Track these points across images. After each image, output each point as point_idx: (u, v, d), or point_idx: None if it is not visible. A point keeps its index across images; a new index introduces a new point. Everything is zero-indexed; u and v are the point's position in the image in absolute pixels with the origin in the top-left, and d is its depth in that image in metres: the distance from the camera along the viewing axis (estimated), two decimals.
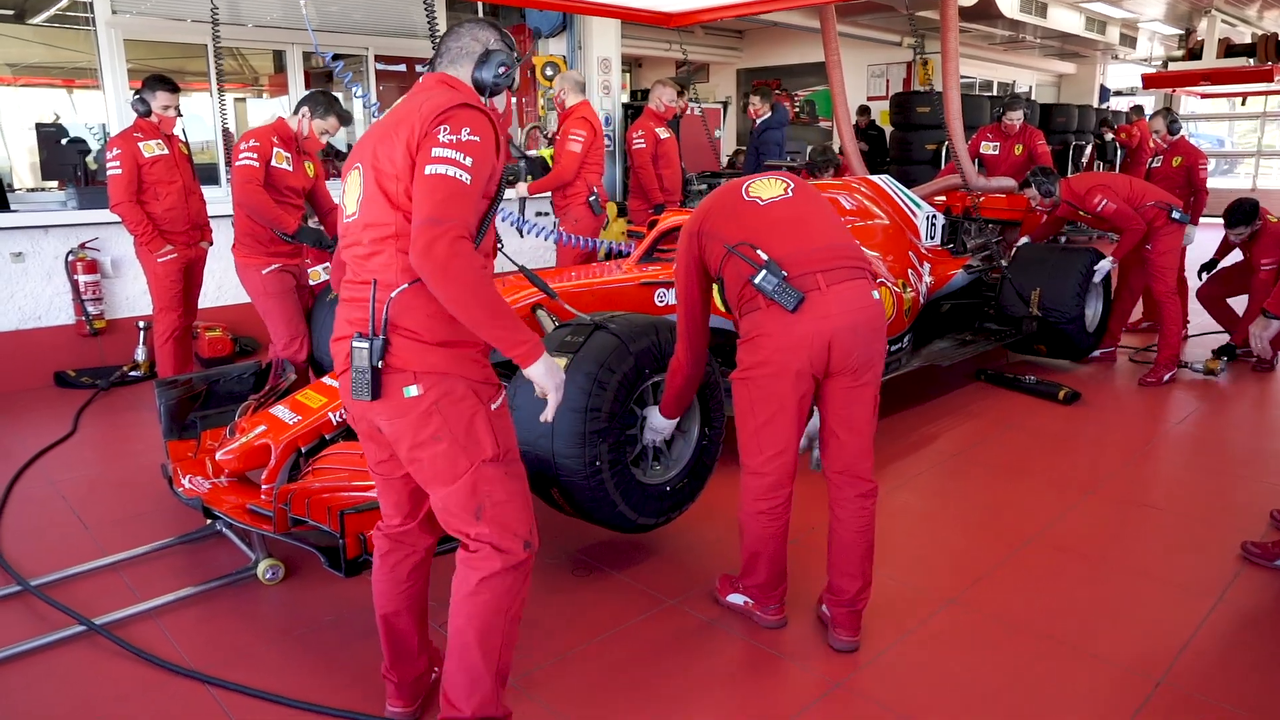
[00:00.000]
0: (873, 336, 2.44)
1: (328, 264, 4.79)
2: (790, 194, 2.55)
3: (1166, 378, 5.43)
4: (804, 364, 2.38)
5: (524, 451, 2.81)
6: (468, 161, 1.77)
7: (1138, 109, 12.11)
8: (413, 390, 1.84)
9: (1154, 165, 6.76)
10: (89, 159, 5.69)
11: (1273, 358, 5.73)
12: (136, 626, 2.73)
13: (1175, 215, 5.31)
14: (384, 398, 1.85)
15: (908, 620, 2.78)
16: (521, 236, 5.67)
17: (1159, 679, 2.49)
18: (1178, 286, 5.58)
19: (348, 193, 1.97)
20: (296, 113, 4.12)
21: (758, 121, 7.66)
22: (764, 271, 2.35)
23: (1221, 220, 5.77)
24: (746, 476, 2.59)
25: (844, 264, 2.43)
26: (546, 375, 1.91)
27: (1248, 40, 11.77)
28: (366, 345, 1.82)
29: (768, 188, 2.58)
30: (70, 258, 5.42)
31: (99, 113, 6.16)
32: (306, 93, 4.22)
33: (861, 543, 2.55)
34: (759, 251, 2.39)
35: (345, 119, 4.22)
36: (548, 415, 1.97)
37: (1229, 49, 11.50)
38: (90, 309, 5.47)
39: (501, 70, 1.98)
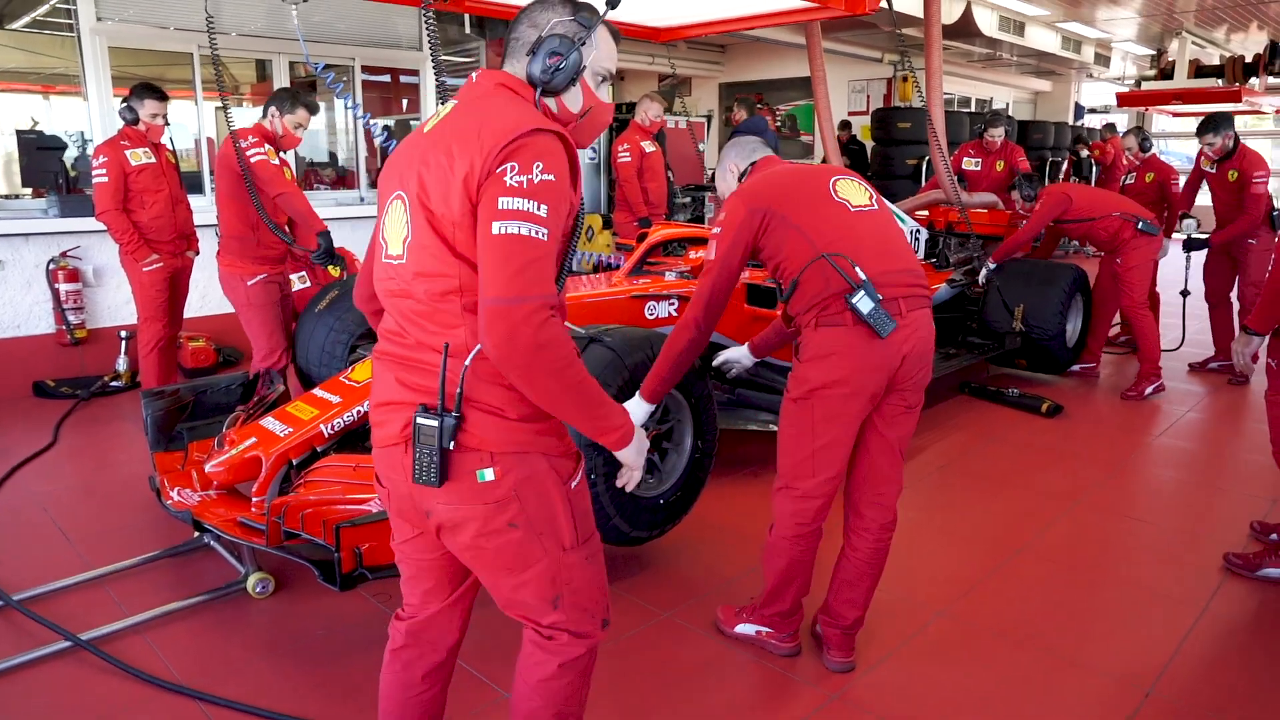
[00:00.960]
0: (929, 362, 2.41)
1: (303, 273, 4.77)
2: (876, 205, 2.45)
3: (1148, 391, 5.50)
4: (879, 386, 2.31)
5: None
6: (542, 211, 1.43)
7: (1110, 127, 12.33)
8: (488, 474, 1.54)
9: (1128, 182, 6.88)
10: (64, 158, 5.63)
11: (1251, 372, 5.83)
12: (123, 641, 2.69)
13: (1141, 226, 5.35)
14: (450, 480, 1.54)
15: (901, 632, 2.80)
16: None
17: (1148, 689, 2.52)
18: (1149, 300, 5.65)
19: (388, 227, 1.61)
20: (265, 115, 4.12)
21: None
22: (862, 292, 2.23)
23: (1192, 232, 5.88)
24: (792, 500, 2.45)
25: (918, 290, 2.37)
26: (637, 456, 1.69)
27: (1216, 62, 12.03)
28: (435, 423, 1.50)
29: (855, 192, 2.44)
30: (51, 266, 5.36)
31: (78, 120, 6.10)
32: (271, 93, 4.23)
33: (871, 574, 2.52)
34: (857, 269, 2.25)
35: (313, 108, 4.22)
36: (630, 484, 1.78)
37: (1199, 70, 11.74)
38: (71, 318, 5.40)
39: (550, 61, 1.57)
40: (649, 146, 6.77)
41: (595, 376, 2.72)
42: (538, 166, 1.44)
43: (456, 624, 1.81)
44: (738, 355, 2.93)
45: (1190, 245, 5.91)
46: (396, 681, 1.81)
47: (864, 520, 2.49)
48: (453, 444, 1.51)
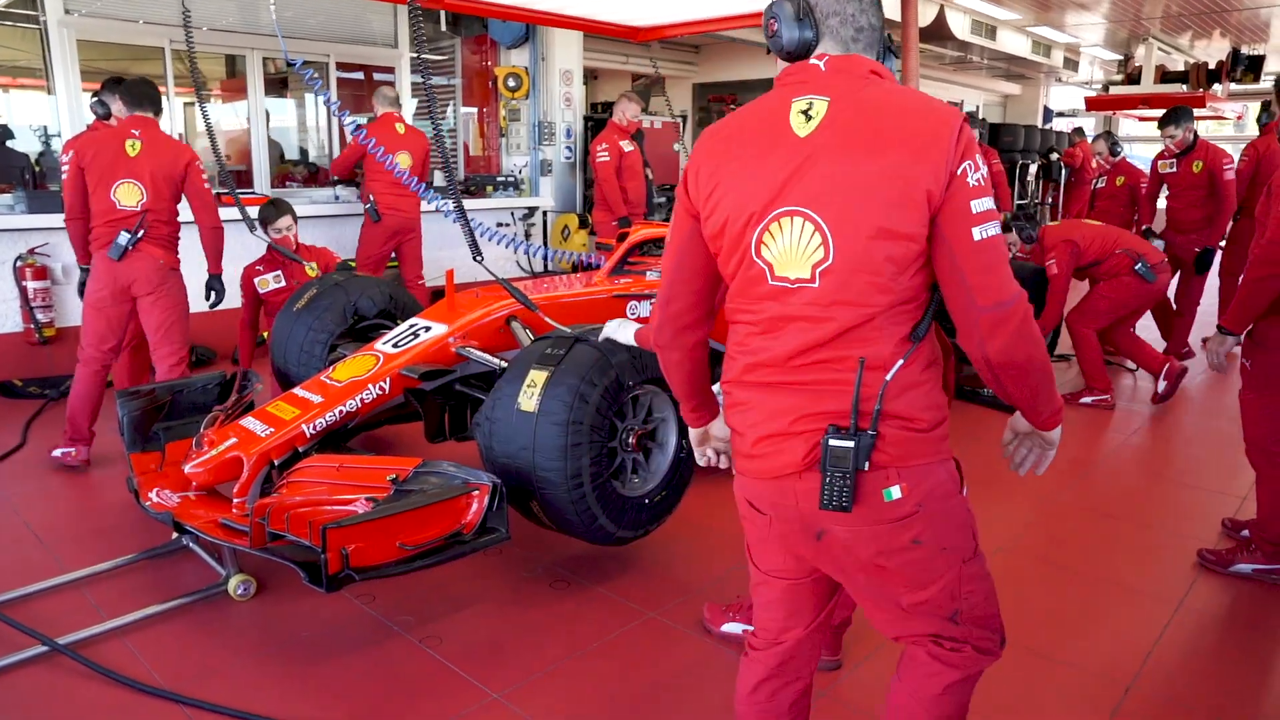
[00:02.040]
0: None
1: (278, 272, 4.73)
2: None
3: (1087, 400, 5.39)
4: None
5: (504, 465, 2.83)
6: (995, 207, 1.41)
7: (1079, 130, 12.53)
8: (895, 492, 1.46)
9: (1099, 185, 6.99)
10: (30, 153, 5.52)
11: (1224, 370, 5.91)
12: (103, 646, 2.64)
13: (1139, 268, 5.14)
14: (855, 502, 1.46)
15: None
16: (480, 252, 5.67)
17: (1128, 684, 2.56)
18: (1099, 330, 5.43)
19: (776, 248, 1.45)
20: (151, 110, 4.11)
21: None
22: None
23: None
24: None
25: None
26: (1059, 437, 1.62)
27: (1181, 68, 12.28)
28: (850, 444, 1.42)
29: None
30: (18, 263, 5.24)
31: (41, 113, 5.99)
32: (125, 86, 4.15)
33: None
34: None
35: None
36: (1044, 466, 1.67)
37: (1164, 75, 11.98)
38: (39, 316, 5.29)
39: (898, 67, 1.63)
40: (627, 146, 6.79)
41: (581, 376, 2.79)
42: (979, 159, 1.40)
43: (818, 650, 1.77)
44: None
45: (1201, 265, 5.87)
46: (766, 711, 1.76)
47: None
48: (867, 464, 1.44)
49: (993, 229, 1.38)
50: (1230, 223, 5.75)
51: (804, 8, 1.47)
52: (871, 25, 1.50)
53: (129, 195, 3.99)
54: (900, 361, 1.43)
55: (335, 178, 6.75)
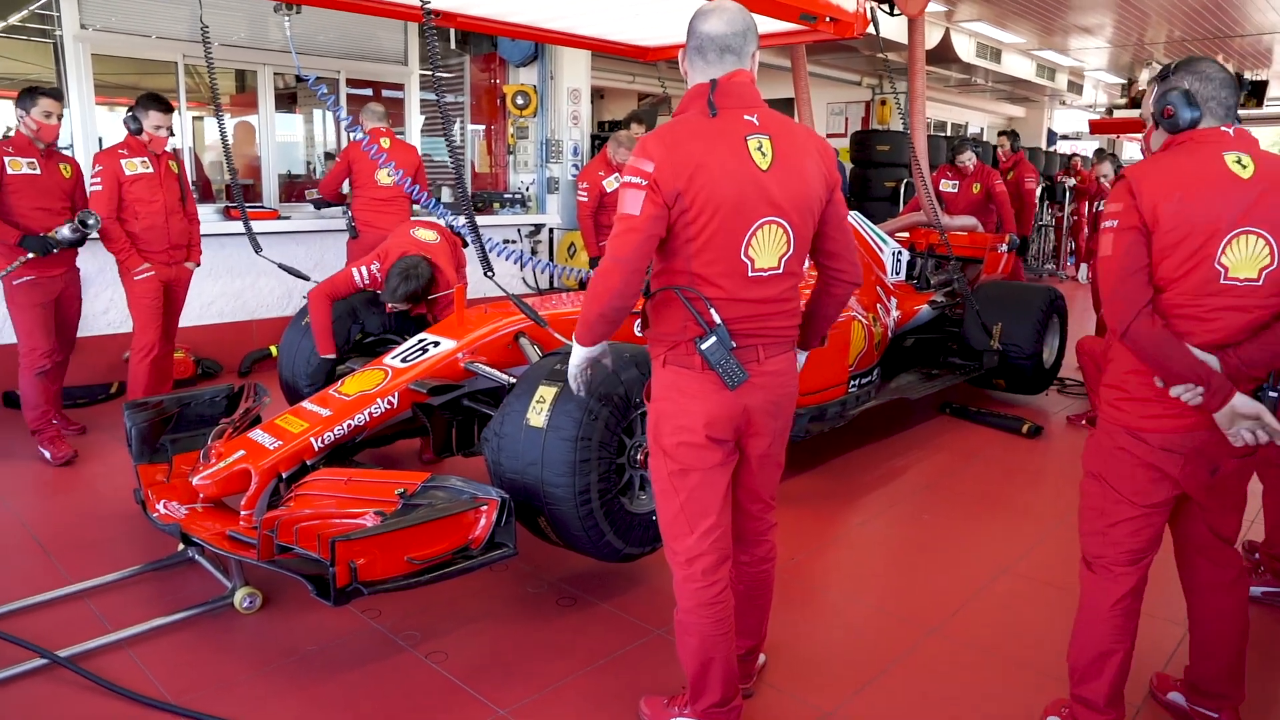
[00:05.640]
0: (788, 411, 2.23)
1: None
2: (781, 269, 2.08)
3: (1084, 422, 5.47)
4: (730, 434, 2.12)
5: (512, 480, 2.83)
6: None
7: (1100, 152, 12.57)
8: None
9: (1100, 208, 7.02)
10: None
11: None
12: (107, 658, 2.63)
13: None
14: None
15: (892, 651, 2.81)
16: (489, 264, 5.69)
17: (1139, 705, 2.55)
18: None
19: (1233, 256, 2.02)
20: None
21: None
22: (714, 339, 2.00)
23: None
24: (680, 566, 2.18)
25: (786, 334, 2.17)
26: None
27: None
28: (1277, 395, 2.06)
29: (769, 251, 2.05)
30: None
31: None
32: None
33: (757, 604, 2.42)
34: (712, 311, 2.01)
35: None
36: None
37: None
38: None
39: None
40: (612, 184, 6.72)
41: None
42: None
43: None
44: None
45: None
46: (1125, 620, 2.36)
47: (741, 556, 2.34)
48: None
49: None
50: None
51: (1191, 96, 2.08)
52: (1232, 106, 2.11)
53: None
54: None
55: (319, 197, 6.46)
